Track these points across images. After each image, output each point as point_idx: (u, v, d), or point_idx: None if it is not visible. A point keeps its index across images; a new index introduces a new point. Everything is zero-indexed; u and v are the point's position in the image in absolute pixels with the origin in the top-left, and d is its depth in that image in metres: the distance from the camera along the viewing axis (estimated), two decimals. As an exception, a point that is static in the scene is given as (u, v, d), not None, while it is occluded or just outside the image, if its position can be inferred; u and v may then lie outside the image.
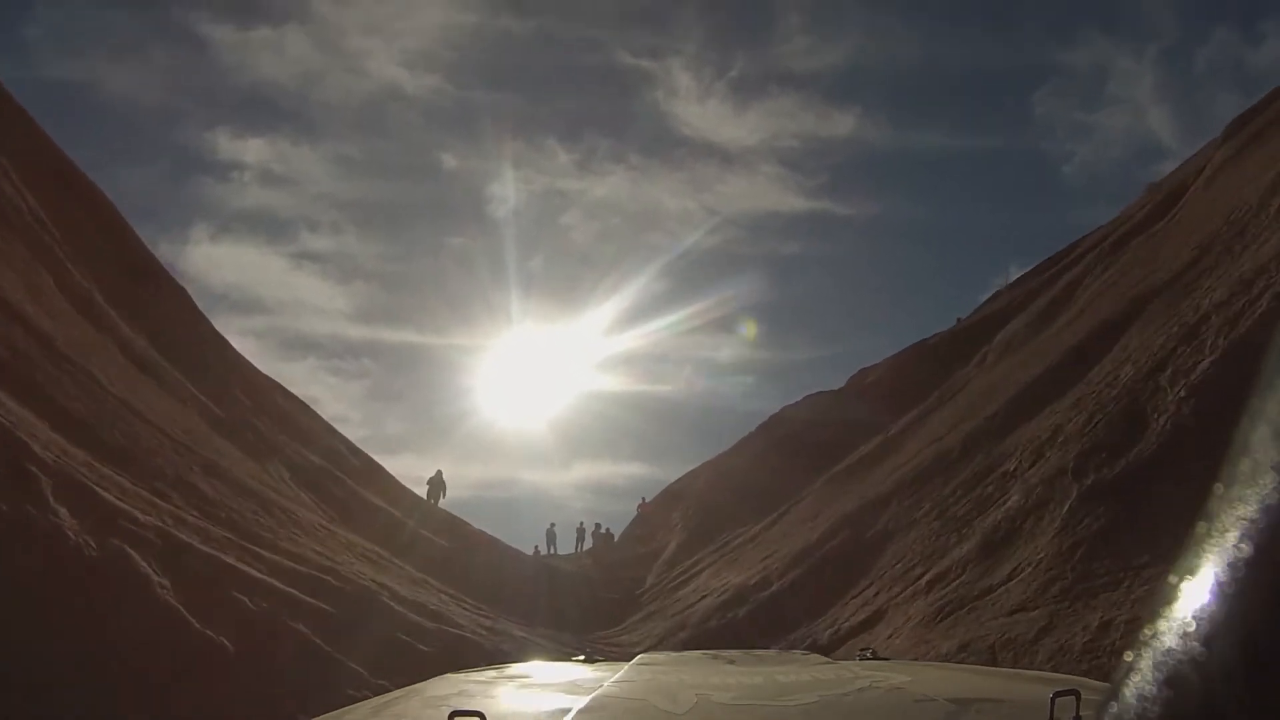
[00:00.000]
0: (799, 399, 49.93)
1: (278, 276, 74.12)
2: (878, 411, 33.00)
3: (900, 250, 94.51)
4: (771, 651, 4.46)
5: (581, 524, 49.26)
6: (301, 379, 73.70)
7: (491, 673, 3.15)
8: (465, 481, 72.00)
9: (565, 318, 73.98)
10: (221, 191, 77.36)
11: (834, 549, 18.58)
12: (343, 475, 29.21)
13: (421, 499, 37.17)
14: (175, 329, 25.69)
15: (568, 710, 2.19)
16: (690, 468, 53.17)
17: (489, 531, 34.30)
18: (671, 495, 50.44)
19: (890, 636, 13.50)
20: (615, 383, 65.63)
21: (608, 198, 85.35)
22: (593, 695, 2.38)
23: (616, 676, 2.80)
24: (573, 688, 2.65)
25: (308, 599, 12.48)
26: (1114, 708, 0.62)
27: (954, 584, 13.47)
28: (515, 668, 3.34)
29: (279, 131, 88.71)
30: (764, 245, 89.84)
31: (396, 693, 2.83)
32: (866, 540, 17.83)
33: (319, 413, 35.56)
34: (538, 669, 3.42)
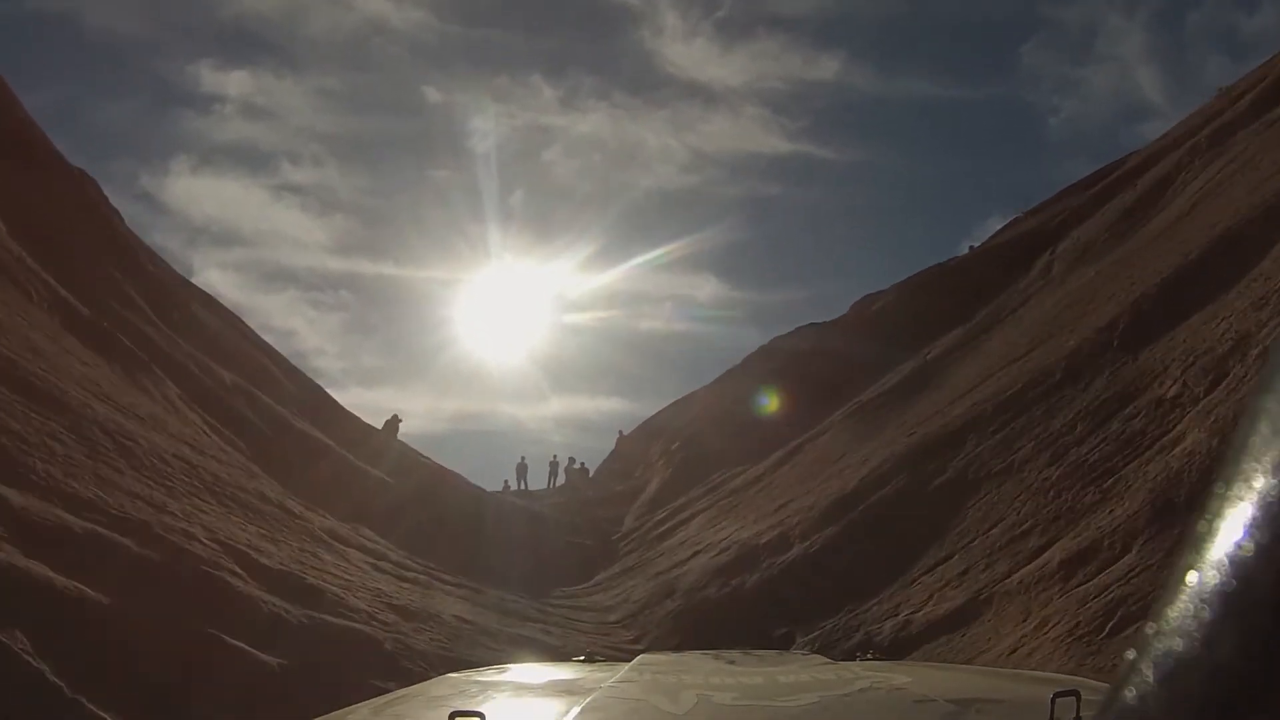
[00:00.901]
0: (790, 330, 44.67)
1: (258, 209, 71.31)
2: (890, 341, 27.82)
3: (883, 195, 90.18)
4: (772, 652, 4.12)
5: (554, 458, 44.30)
6: (280, 310, 71.33)
7: (492, 673, 3.06)
8: (443, 414, 70.59)
9: (545, 253, 71.14)
10: (203, 124, 74.06)
11: (883, 502, 13.48)
12: (271, 401, 23.88)
13: (376, 430, 32.44)
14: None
15: (568, 710, 2.16)
16: (672, 402, 47.98)
17: (453, 469, 29.74)
18: (652, 430, 45.25)
19: (1016, 651, 8.37)
20: (593, 318, 61.93)
21: (590, 134, 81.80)
22: (593, 695, 2.33)
23: (617, 677, 2.72)
24: (573, 688, 2.57)
25: (52, 575, 7.17)
26: (1114, 708, 0.61)
27: (1116, 567, 8.33)
28: (516, 668, 3.28)
29: (262, 64, 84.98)
30: (745, 185, 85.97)
31: (397, 693, 2.77)
32: (933, 491, 12.69)
33: (250, 326, 30.11)
34: (538, 669, 3.35)
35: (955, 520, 11.65)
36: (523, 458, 42.53)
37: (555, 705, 2.31)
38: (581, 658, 3.62)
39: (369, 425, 33.64)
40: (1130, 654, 0.61)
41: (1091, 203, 23.01)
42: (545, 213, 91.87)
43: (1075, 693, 1.76)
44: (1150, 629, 0.59)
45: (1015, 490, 11.12)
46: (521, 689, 2.80)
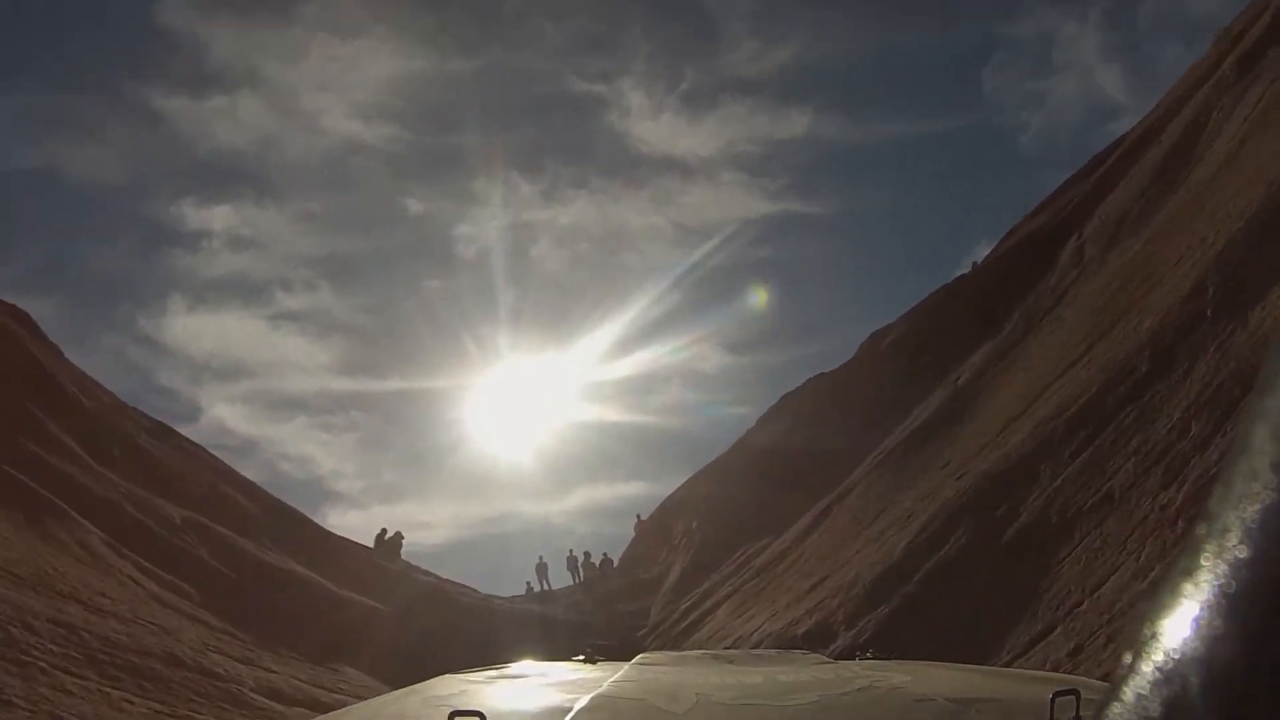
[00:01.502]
0: (800, 385, 41.70)
1: (257, 339, 70.71)
2: (908, 376, 24.89)
3: (871, 238, 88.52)
4: (771, 651, 4.41)
5: (571, 552, 40.90)
6: (293, 438, 71.53)
7: (492, 673, 2.96)
8: (466, 521, 68.29)
9: (547, 348, 69.76)
10: (193, 261, 73.86)
11: (943, 567, 10.38)
12: (232, 533, 21.08)
13: (369, 550, 30.36)
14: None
15: (568, 710, 2.15)
16: (688, 478, 44.70)
17: (471, 578, 27.43)
18: (671, 510, 41.98)
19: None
20: (604, 407, 60.34)
21: (575, 224, 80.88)
22: (593, 695, 2.32)
23: (616, 676, 2.71)
24: (573, 688, 2.52)
25: None
26: (1114, 708, 0.61)
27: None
28: (515, 667, 3.10)
29: (243, 196, 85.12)
30: (734, 252, 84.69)
31: (397, 693, 2.75)
32: (1008, 544, 9.61)
33: (217, 455, 27.39)
34: (538, 669, 3.14)
35: (1046, 579, 8.58)
36: (540, 557, 39.62)
37: (555, 704, 2.25)
38: (581, 657, 3.35)
39: (362, 547, 30.74)
40: (1129, 654, 0.60)
41: (1104, 181, 20.24)
42: (542, 307, 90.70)
43: (1075, 692, 1.74)
44: (1149, 629, 0.59)
45: (1123, 527, 8.08)
46: (521, 689, 2.71)
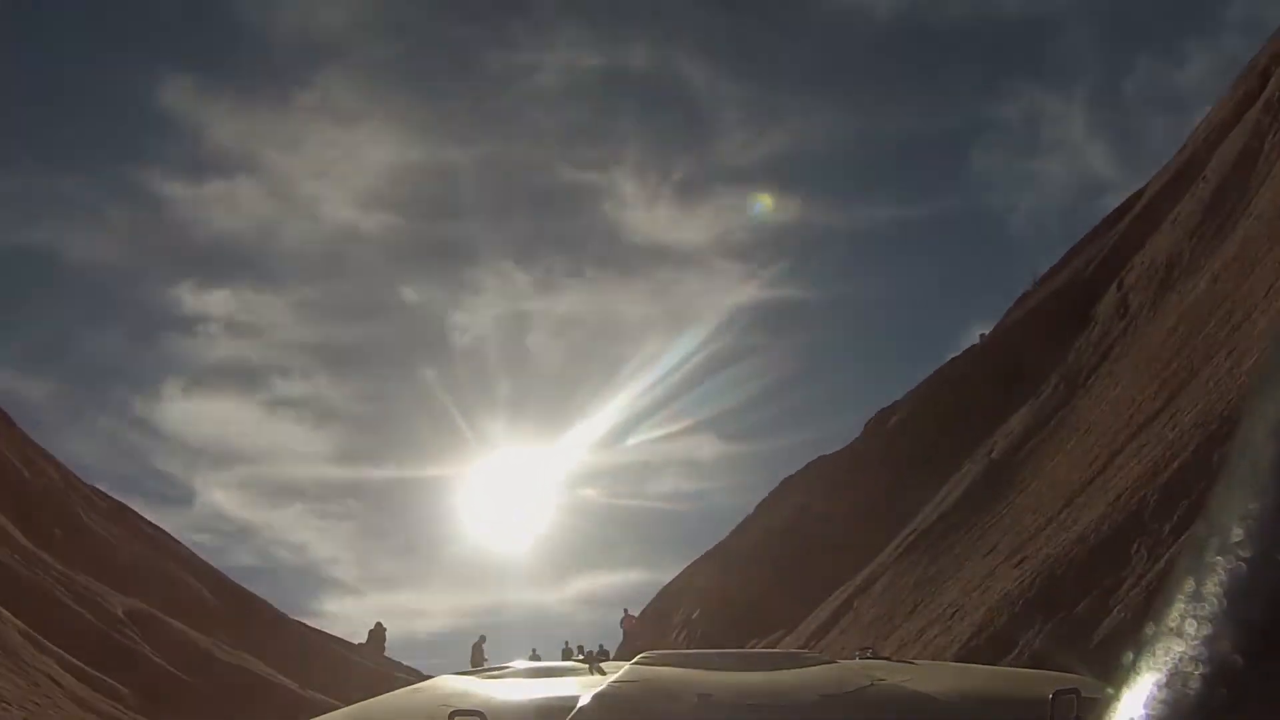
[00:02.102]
0: (801, 468, 39.57)
1: (254, 426, 70.89)
2: (918, 456, 22.99)
3: (865, 322, 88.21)
4: (772, 652, 4.40)
5: (567, 644, 38.19)
6: (289, 525, 72.83)
7: (492, 673, 2.96)
8: (464, 609, 65.21)
9: (543, 436, 69.65)
10: (190, 345, 73.76)
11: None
12: (185, 627, 18.87)
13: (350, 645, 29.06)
14: None
15: (568, 710, 2.14)
16: (687, 565, 42.12)
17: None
18: (669, 597, 39.42)
19: None
20: (601, 494, 59.68)
21: (569, 314, 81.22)
22: (593, 695, 2.28)
23: (616, 676, 2.62)
24: (573, 687, 2.46)
25: None
26: (1114, 708, 0.61)
27: None
28: (516, 668, 3.11)
29: (241, 281, 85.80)
30: (729, 340, 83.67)
31: (397, 692, 2.75)
32: (1102, 644, 7.55)
33: (179, 541, 25.20)
34: (538, 670, 3.12)
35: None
36: (534, 650, 37.04)
37: (555, 705, 2.23)
38: (581, 657, 3.65)
39: (339, 641, 28.26)
40: (1129, 654, 0.61)
41: (1135, 231, 18.67)
42: (537, 396, 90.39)
43: (1075, 692, 1.73)
44: (1149, 629, 0.59)
45: None
46: (521, 689, 2.63)
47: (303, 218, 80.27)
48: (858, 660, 3.09)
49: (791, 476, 38.89)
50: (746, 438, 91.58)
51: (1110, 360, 14.34)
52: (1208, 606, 0.56)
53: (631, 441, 57.02)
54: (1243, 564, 0.55)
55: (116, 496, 25.10)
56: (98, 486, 24.78)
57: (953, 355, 32.50)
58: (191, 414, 69.25)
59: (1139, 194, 22.94)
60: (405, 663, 30.69)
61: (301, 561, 74.50)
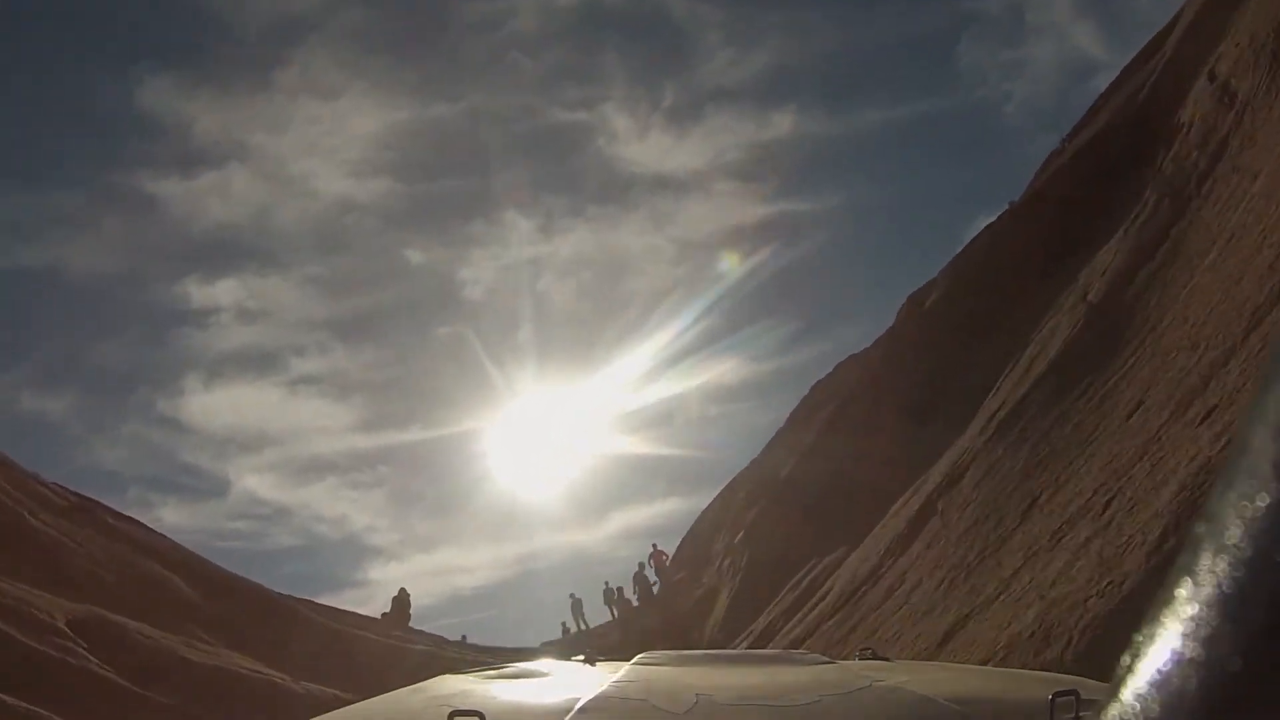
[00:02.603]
0: (830, 371, 36.15)
1: (277, 407, 69.94)
2: (973, 324, 19.54)
3: (871, 227, 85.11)
4: (771, 651, 4.34)
5: (607, 585, 36.43)
6: (324, 499, 69.82)
7: (491, 673, 2.91)
8: (505, 560, 65.82)
9: (562, 379, 67.84)
10: (204, 338, 73.05)
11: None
12: (152, 630, 16.10)
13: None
14: None
15: (568, 710, 2.15)
16: (722, 488, 39.12)
17: (502, 630, 25.28)
18: (706, 524, 36.59)
19: None
20: (628, 431, 57.82)
21: (576, 254, 78.92)
22: (593, 695, 2.31)
23: (616, 676, 2.69)
24: (573, 687, 2.48)
25: None
26: (1114, 708, 0.61)
27: None
28: (515, 667, 3.02)
29: (246, 268, 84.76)
30: (738, 260, 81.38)
31: (397, 692, 2.65)
32: None
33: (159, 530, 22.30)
34: (538, 669, 3.05)
35: None
36: (573, 595, 34.35)
37: (555, 704, 2.25)
38: (581, 657, 3.37)
39: (354, 617, 25.53)
40: (1128, 655, 0.60)
41: (1190, 45, 14.86)
42: (554, 340, 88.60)
43: (1074, 693, 1.72)
44: (1149, 629, 0.59)
45: None
46: (521, 689, 2.65)
47: (298, 196, 77.66)
48: (857, 660, 3.13)
49: (821, 381, 35.52)
50: (768, 356, 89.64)
51: (1229, 156, 10.82)
52: (1205, 607, 0.55)
53: (655, 375, 55.46)
54: (1242, 564, 0.54)
55: (81, 492, 22.08)
56: (57, 483, 21.82)
57: (986, 223, 28.77)
58: (214, 405, 67.82)
59: (1173, 21, 18.83)
60: (430, 631, 28.12)
61: (341, 534, 74.08)
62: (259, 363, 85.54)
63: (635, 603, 34.20)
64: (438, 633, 27.98)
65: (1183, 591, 0.57)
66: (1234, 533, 0.55)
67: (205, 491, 62.65)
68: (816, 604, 14.71)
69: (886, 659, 3.25)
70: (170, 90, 79.16)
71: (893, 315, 27.54)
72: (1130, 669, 0.60)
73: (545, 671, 2.95)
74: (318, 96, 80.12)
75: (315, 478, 77.25)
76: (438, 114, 79.51)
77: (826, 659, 3.25)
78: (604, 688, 2.40)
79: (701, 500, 46.73)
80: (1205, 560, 0.57)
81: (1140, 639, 0.59)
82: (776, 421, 35.34)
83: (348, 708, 2.45)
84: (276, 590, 23.43)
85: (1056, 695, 1.71)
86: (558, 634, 34.00)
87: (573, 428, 63.75)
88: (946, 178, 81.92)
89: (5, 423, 57.85)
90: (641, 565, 34.53)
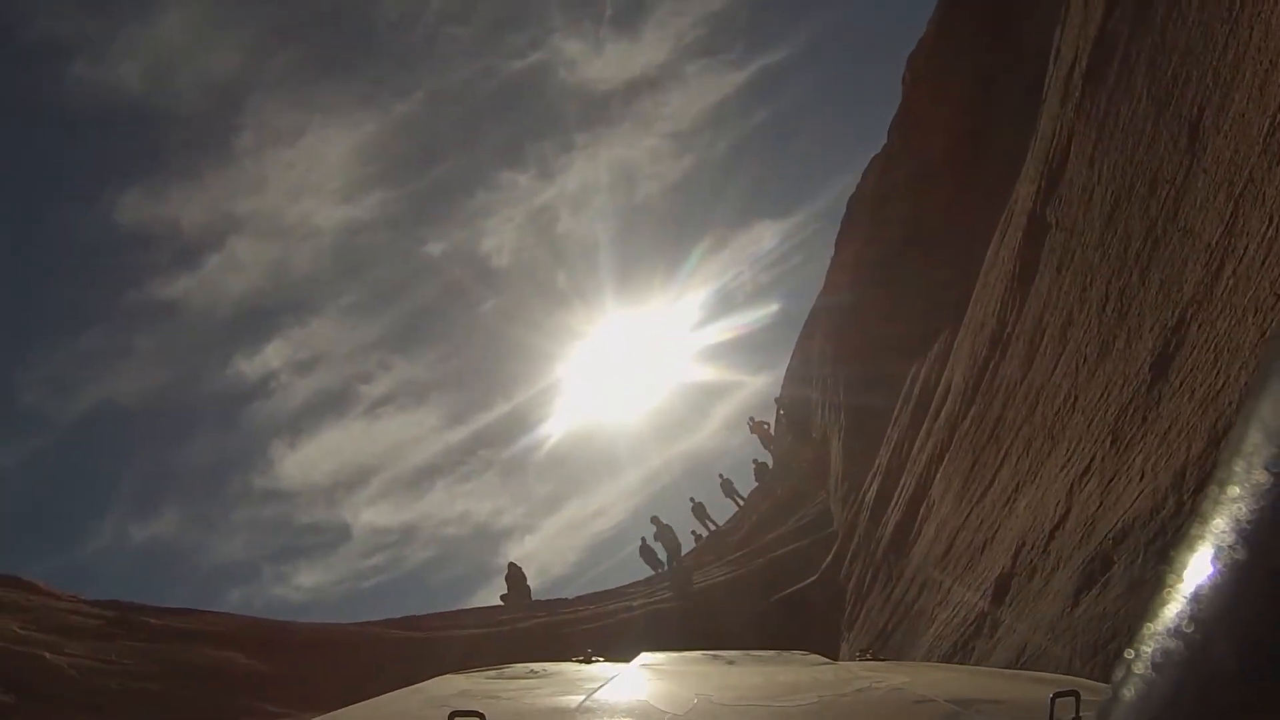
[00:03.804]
0: (856, 180, 31.40)
1: (364, 438, 71.01)
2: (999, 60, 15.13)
3: (847, 52, 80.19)
4: (771, 652, 3.98)
5: (722, 477, 35.83)
6: (442, 504, 71.04)
7: (492, 673, 2.94)
8: (631, 488, 67.76)
9: (619, 303, 67.04)
10: (272, 405, 74.98)
11: None
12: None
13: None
14: None
15: (568, 710, 2.12)
16: (795, 342, 35.25)
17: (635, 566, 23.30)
18: (794, 377, 33.00)
19: None
20: (697, 341, 59.56)
21: (582, 185, 78.22)
22: (593, 695, 2.28)
23: (617, 677, 2.68)
24: (573, 688, 2.50)
25: None
26: (1114, 708, 0.60)
27: None
28: (516, 668, 3.08)
29: (283, 325, 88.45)
30: (735, 129, 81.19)
31: (397, 693, 2.61)
32: None
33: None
34: (539, 669, 3.09)
35: None
36: (692, 499, 32.72)
37: (555, 704, 2.18)
38: (581, 658, 3.36)
39: (471, 613, 22.98)
40: (1128, 654, 0.60)
41: None
42: (595, 271, 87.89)
43: (1074, 693, 1.71)
44: (1147, 630, 0.59)
45: None
46: (521, 689, 2.59)
47: (305, 239, 77.17)
48: (857, 660, 3.26)
49: (854, 196, 30.75)
50: (797, 205, 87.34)
51: None
52: (1205, 606, 0.55)
53: (699, 267, 55.42)
54: (1238, 565, 0.54)
55: (118, 600, 19.67)
56: (89, 600, 19.42)
57: None
58: (307, 460, 69.13)
59: None
60: (563, 596, 25.81)
61: (470, 528, 74.85)
62: (332, 404, 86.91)
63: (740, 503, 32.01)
64: (560, 595, 25.56)
65: (1181, 590, 0.56)
66: (1229, 533, 0.54)
67: (331, 543, 63.19)
68: (939, 408, 11.11)
69: (886, 659, 3.29)
70: (143, 199, 78.59)
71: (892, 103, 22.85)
72: (1130, 668, 0.58)
73: (545, 672, 2.90)
74: (283, 143, 79.14)
75: (426, 487, 78.07)
76: (401, 111, 78.23)
77: (826, 659, 3.24)
78: (604, 688, 2.39)
79: (775, 375, 44.58)
80: (1203, 559, 0.56)
81: (1139, 639, 0.58)
82: (823, 261, 31.51)
83: (348, 708, 2.32)
84: (373, 620, 21.04)
85: (1056, 695, 1.69)
86: (691, 545, 31.64)
87: (645, 348, 63.34)
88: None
89: (125, 558, 60.46)
90: (723, 476, 32.45)
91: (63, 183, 73.40)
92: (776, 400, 35.15)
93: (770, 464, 32.99)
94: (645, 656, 3.35)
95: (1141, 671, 0.58)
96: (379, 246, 77.27)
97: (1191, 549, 0.58)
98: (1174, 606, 0.57)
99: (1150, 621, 0.59)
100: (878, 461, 14.64)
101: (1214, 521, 0.56)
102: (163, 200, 77.79)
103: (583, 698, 2.22)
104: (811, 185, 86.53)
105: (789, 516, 24.00)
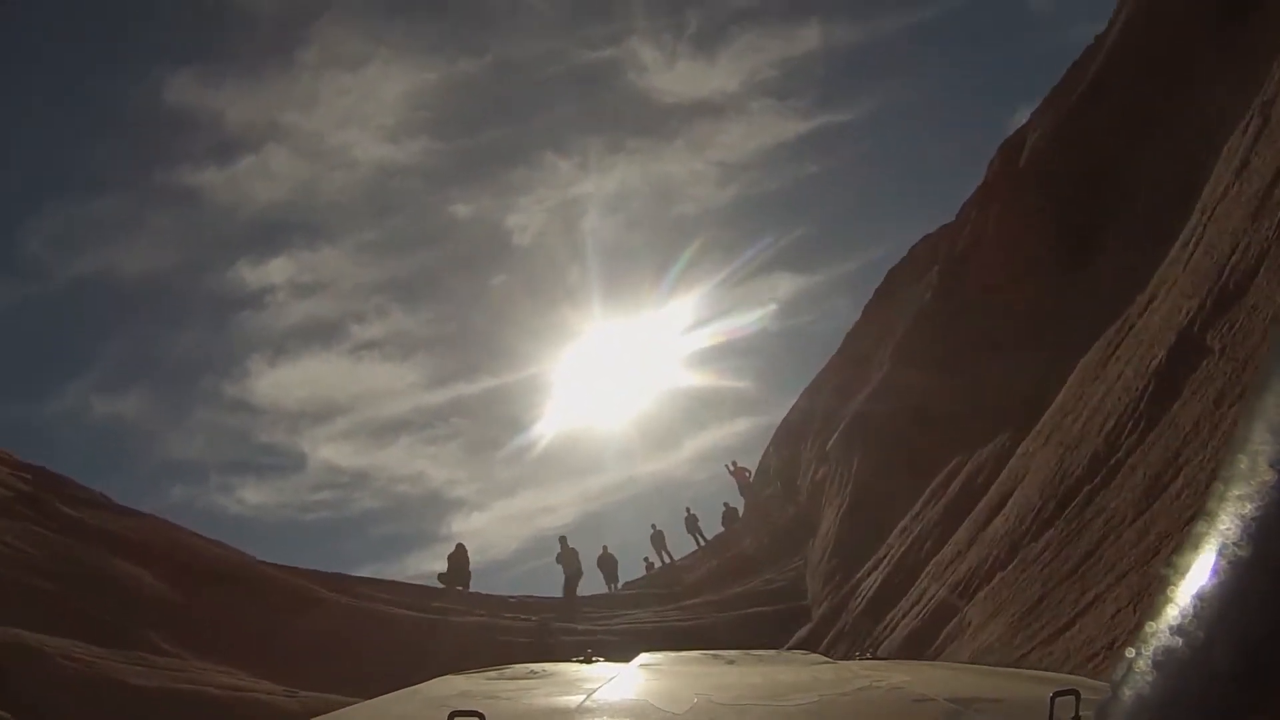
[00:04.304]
0: (904, 256, 30.00)
1: (344, 375, 69.33)
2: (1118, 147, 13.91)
3: (912, 129, 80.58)
4: (771, 652, 4.08)
5: (689, 511, 33.26)
6: (401, 459, 69.19)
7: (492, 673, 2.93)
8: (591, 494, 68.17)
9: (623, 312, 66.50)
10: (262, 318, 72.79)
11: None
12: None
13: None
14: None
15: (568, 710, 2.11)
16: (797, 397, 33.93)
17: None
18: (791, 432, 31.73)
19: None
20: (698, 350, 58.33)
21: (619, 189, 78.89)
22: (593, 695, 2.26)
23: (616, 677, 2.64)
24: (573, 688, 2.49)
25: None
26: (1114, 707, 0.60)
27: None
28: (515, 668, 3.05)
29: (295, 244, 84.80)
30: (783, 177, 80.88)
31: (397, 693, 2.60)
32: None
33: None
34: (538, 670, 3.05)
35: None
36: (653, 526, 31.65)
37: (555, 704, 2.19)
38: (581, 658, 3.36)
39: (396, 587, 21.30)
40: (1129, 653, 0.59)
41: None
42: (610, 275, 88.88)
43: (1074, 692, 1.67)
44: (1149, 628, 0.58)
45: None
46: (521, 689, 2.58)
47: (339, 167, 76.76)
48: (857, 660, 3.14)
49: (897, 268, 29.40)
50: (820, 266, 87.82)
51: None
52: (1206, 606, 0.54)
53: (712, 295, 52.86)
54: (1241, 564, 0.53)
55: (45, 466, 18.00)
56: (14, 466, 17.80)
57: (1086, 45, 22.08)
58: (282, 382, 68.02)
59: None
60: (494, 591, 24.12)
61: (423, 491, 73.45)
62: (320, 334, 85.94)
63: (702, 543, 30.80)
64: (498, 592, 23.89)
65: (1182, 591, 0.56)
66: (1233, 532, 0.54)
67: (284, 468, 61.67)
68: (990, 517, 9.75)
69: (886, 659, 3.20)
70: (194, 84, 77.92)
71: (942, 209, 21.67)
72: (1130, 668, 0.58)
73: (545, 672, 2.88)
74: (344, 68, 78.66)
75: (390, 439, 77.14)
76: (465, 69, 77.66)
77: (826, 659, 3.24)
78: (604, 688, 2.38)
79: (772, 415, 43.45)
80: (1205, 559, 0.55)
81: (1140, 639, 0.58)
82: (839, 327, 30.52)
83: (348, 708, 2.38)
84: (308, 567, 19.42)
85: (1056, 695, 1.66)
86: (640, 574, 30.30)
87: (637, 360, 61.95)
88: (981, 71, 76.55)
89: (81, 429, 59.30)
90: (690, 510, 31.11)
91: (119, 48, 72.73)
92: (765, 451, 33.88)
93: (740, 512, 31.59)
94: (645, 656, 3.33)
95: (1142, 670, 0.56)
96: (408, 193, 76.43)
97: (1195, 547, 0.56)
98: (1177, 604, 0.55)
99: (1153, 620, 0.57)
100: (886, 551, 13.27)
101: (1218, 519, 0.55)
102: (213, 90, 76.82)
103: (582, 698, 2.20)
104: (842, 249, 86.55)
105: (754, 576, 22.58)
